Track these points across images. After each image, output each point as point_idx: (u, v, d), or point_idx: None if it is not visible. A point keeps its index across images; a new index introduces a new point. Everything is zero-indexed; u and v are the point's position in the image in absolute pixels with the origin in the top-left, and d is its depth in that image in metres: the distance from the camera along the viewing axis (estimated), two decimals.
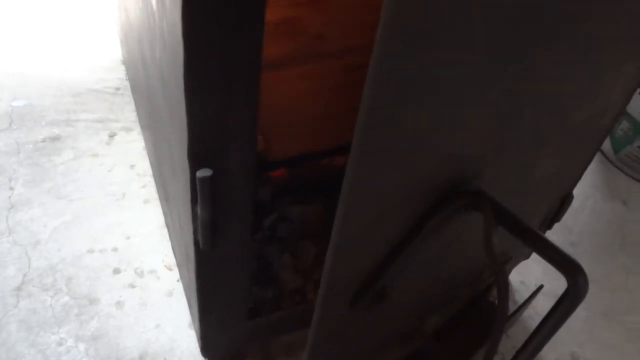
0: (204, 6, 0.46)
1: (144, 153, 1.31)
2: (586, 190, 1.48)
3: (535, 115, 0.63)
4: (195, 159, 0.56)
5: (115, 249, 1.12)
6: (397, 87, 0.38)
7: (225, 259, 0.71)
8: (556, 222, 1.05)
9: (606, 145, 1.57)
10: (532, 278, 1.22)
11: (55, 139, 1.32)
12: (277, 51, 0.99)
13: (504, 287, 0.50)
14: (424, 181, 0.49)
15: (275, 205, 0.95)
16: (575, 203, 1.43)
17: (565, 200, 1.00)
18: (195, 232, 0.66)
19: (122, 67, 1.55)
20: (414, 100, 0.41)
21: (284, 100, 0.95)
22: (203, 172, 0.56)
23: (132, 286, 1.06)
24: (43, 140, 1.31)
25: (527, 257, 1.14)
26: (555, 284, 1.22)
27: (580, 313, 1.18)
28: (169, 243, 1.13)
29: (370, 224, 0.47)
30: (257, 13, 0.48)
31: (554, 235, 1.31)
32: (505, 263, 0.86)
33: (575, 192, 1.47)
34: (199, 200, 0.59)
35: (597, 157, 1.58)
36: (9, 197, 1.18)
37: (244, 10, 0.46)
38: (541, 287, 0.99)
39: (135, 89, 1.36)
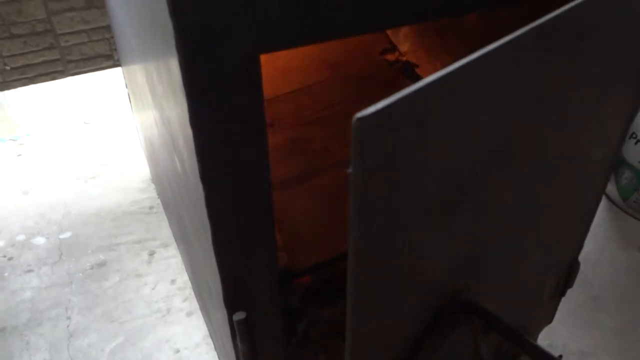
0: (223, 191, 0.58)
1: (182, 267, 1.43)
2: (602, 241, 1.54)
3: (510, 220, 0.72)
4: (230, 305, 0.67)
5: None
6: (378, 238, 0.47)
7: None
8: (569, 288, 1.12)
9: (614, 193, 1.64)
10: (558, 339, 1.28)
11: (101, 264, 1.45)
12: (289, 170, 1.11)
13: None
14: (417, 306, 0.59)
15: (306, 309, 1.05)
16: (592, 256, 1.49)
17: (572, 267, 1.07)
18: (237, 358, 0.75)
19: (153, 186, 1.70)
20: (395, 243, 0.50)
21: (301, 214, 1.06)
22: (238, 316, 0.66)
23: None
24: (91, 268, 1.44)
25: (550, 321, 1.20)
26: (582, 342, 1.27)
27: None
28: (215, 352, 1.22)
29: (374, 350, 0.56)
30: (266, 201, 0.59)
31: (575, 292, 1.37)
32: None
33: (591, 244, 1.54)
34: (237, 336, 0.70)
35: (607, 206, 1.65)
36: (67, 326, 1.30)
37: (259, 199, 0.58)
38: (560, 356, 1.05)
39: (166, 207, 1.50)
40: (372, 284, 0.49)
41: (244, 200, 0.58)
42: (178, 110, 0.58)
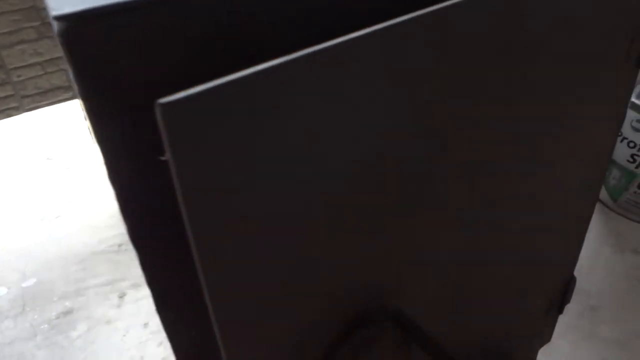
0: (156, 249, 0.50)
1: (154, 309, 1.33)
2: (595, 246, 1.47)
3: (470, 230, 0.65)
4: None
5: None
6: None
7: None
8: (566, 304, 1.05)
9: (603, 194, 1.57)
10: (559, 356, 1.20)
11: (67, 312, 1.36)
12: None
13: None
14: (317, 315, 0.50)
15: None
16: (586, 262, 1.43)
17: (568, 285, 0.99)
18: None
19: (121, 222, 1.60)
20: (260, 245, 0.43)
21: None
22: None
23: None
24: (57, 317, 1.35)
25: (548, 339, 1.13)
26: (584, 357, 1.20)
27: None
28: None
29: None
30: None
31: (572, 303, 1.29)
32: None
33: (584, 250, 1.46)
34: None
35: (598, 208, 1.59)
36: None
37: None
38: None
39: None
40: (242, 300, 0.42)
41: (181, 258, 0.50)
42: None
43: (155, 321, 1.31)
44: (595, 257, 1.44)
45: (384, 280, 0.56)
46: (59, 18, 0.36)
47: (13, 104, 1.65)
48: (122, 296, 1.39)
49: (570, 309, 1.30)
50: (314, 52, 0.35)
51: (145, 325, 1.31)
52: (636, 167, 1.44)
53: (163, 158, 0.31)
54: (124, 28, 0.37)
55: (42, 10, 1.58)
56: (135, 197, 0.44)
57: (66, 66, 1.68)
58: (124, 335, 1.29)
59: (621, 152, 1.46)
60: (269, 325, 0.48)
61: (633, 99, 1.37)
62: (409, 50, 0.42)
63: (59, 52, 1.65)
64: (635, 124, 1.38)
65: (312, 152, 0.40)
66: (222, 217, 0.37)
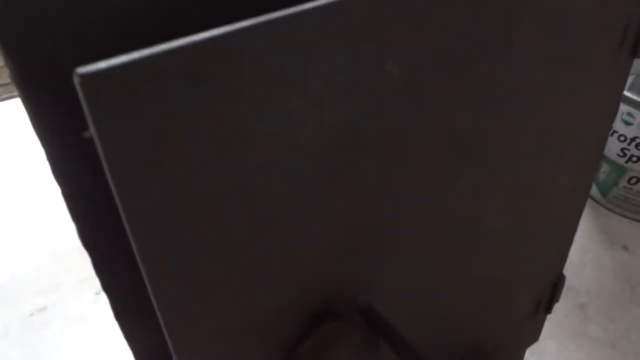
0: (110, 254, 0.45)
1: None
2: (584, 242, 1.44)
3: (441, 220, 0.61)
4: None
5: None
6: None
7: None
8: (555, 303, 1.02)
9: (593, 190, 1.55)
10: (547, 356, 1.18)
11: (42, 310, 1.31)
12: None
13: None
14: (275, 308, 0.46)
15: None
16: (575, 259, 1.40)
17: (557, 284, 0.96)
18: None
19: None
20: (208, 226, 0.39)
21: None
22: None
23: None
24: (31, 315, 1.30)
25: (535, 339, 1.10)
26: (574, 358, 1.18)
27: None
28: None
29: None
30: None
31: (560, 301, 1.27)
32: None
33: (573, 246, 1.44)
34: None
35: (587, 203, 1.56)
36: None
37: None
38: None
39: None
40: (190, 294, 0.38)
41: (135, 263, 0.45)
42: None
43: None
44: (584, 253, 1.41)
45: (354, 270, 0.52)
46: None
47: None
48: (98, 293, 1.34)
49: (559, 307, 1.27)
50: (258, 24, 0.31)
51: None
52: (626, 162, 1.41)
53: (87, 135, 0.27)
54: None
55: None
56: (83, 195, 0.40)
57: None
58: (100, 333, 1.25)
59: (611, 146, 1.43)
60: (224, 321, 0.43)
61: (624, 92, 1.33)
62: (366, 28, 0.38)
63: None
64: (626, 117, 1.35)
65: (258, 129, 0.36)
66: (160, 202, 0.33)
